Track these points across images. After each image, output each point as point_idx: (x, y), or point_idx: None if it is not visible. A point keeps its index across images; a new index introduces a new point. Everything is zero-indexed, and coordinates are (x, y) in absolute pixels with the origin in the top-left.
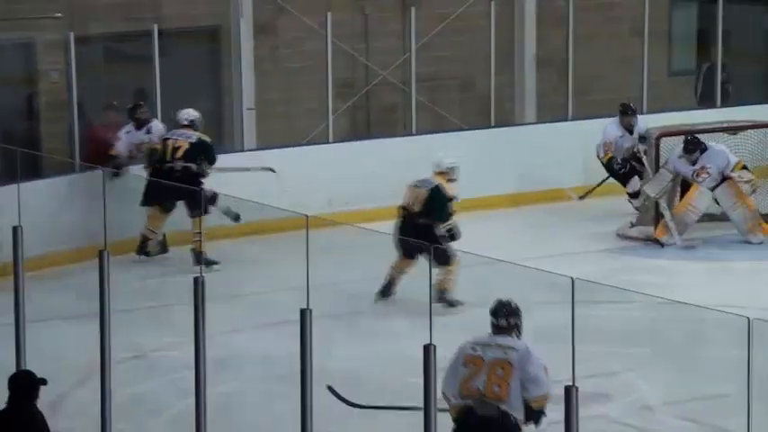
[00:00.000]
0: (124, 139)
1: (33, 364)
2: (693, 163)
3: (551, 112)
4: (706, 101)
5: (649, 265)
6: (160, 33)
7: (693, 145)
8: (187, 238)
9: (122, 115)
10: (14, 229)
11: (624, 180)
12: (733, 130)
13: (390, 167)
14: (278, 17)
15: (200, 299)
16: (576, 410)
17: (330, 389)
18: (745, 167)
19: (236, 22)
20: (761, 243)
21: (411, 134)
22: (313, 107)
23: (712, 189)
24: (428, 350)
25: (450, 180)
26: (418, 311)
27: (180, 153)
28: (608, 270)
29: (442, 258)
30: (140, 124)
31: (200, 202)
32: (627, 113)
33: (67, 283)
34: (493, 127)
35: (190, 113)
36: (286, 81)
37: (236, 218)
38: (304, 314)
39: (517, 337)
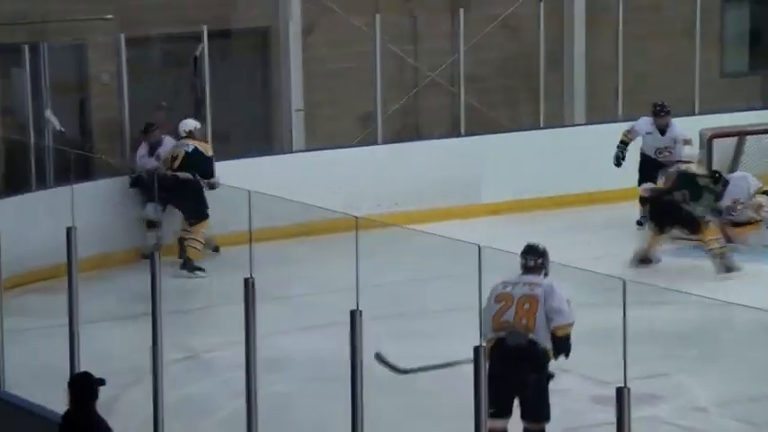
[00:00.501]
0: (139, 163)
1: (86, 366)
2: (718, 197)
3: (601, 113)
4: None
5: (696, 266)
6: (210, 35)
7: (715, 181)
8: (233, 239)
9: (171, 116)
10: (68, 230)
11: (640, 180)
12: None
13: (439, 169)
14: (326, 18)
15: (250, 300)
16: (627, 412)
17: (378, 356)
18: (766, 192)
19: (285, 24)
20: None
21: (460, 135)
22: (361, 109)
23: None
24: (478, 351)
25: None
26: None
27: (177, 163)
28: (654, 271)
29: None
30: (152, 148)
31: (195, 210)
32: (659, 114)
33: (117, 285)
34: (542, 128)
35: (188, 124)
36: (334, 83)
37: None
38: (354, 315)
39: (544, 276)
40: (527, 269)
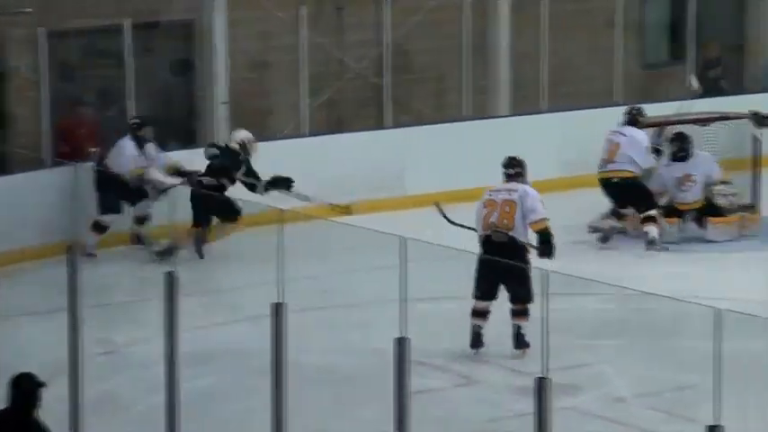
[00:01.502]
0: (124, 162)
1: (5, 361)
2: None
3: (525, 104)
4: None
5: (622, 257)
6: (134, 28)
7: (684, 152)
8: (158, 233)
9: (92, 110)
10: None
11: None
12: (703, 121)
13: (365, 161)
14: (251, 11)
15: (172, 293)
16: (548, 402)
17: (437, 205)
18: (725, 183)
19: (210, 17)
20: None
21: (385, 127)
22: (287, 101)
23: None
24: (402, 342)
25: None
26: (392, 304)
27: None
28: (581, 262)
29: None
30: (140, 146)
31: (228, 211)
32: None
33: (34, 279)
34: (467, 120)
35: (239, 135)
36: (260, 75)
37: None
38: (278, 308)
39: (522, 183)
40: (508, 177)
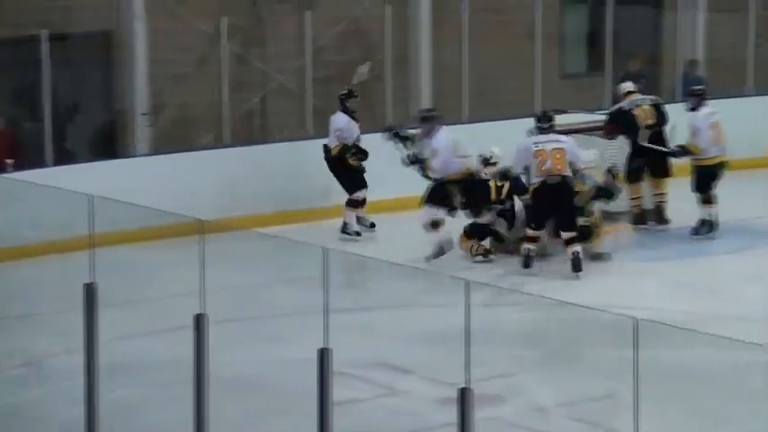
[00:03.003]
0: None
1: None
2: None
3: (447, 115)
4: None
5: (545, 267)
6: (51, 38)
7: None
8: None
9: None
10: None
11: None
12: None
13: (288, 171)
14: (171, 22)
15: (91, 304)
16: (470, 413)
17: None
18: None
19: (129, 27)
20: None
21: (308, 138)
22: (209, 112)
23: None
24: (324, 353)
25: None
26: (316, 314)
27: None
28: (500, 273)
29: None
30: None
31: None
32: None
33: None
34: None
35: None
36: (181, 86)
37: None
38: (199, 319)
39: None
40: (542, 130)
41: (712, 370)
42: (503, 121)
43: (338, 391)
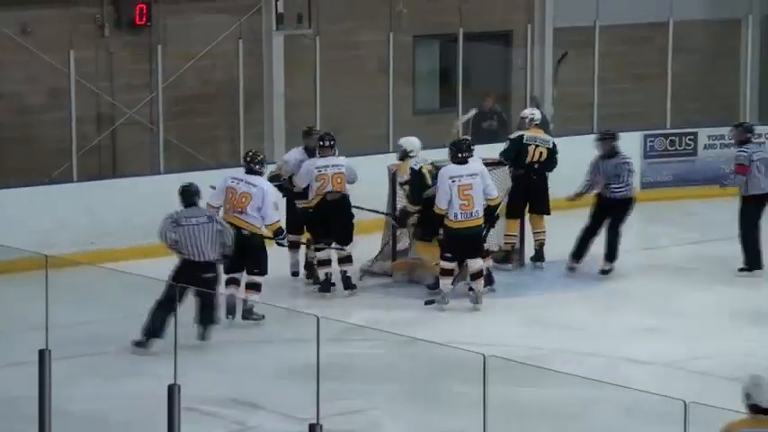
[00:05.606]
0: None
1: None
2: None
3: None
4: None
5: (398, 302)
6: None
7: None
8: None
9: None
10: None
11: None
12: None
13: (138, 206)
14: (19, 54)
15: None
16: None
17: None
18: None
19: None
20: None
21: (159, 173)
22: (57, 145)
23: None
24: (172, 389)
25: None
26: (164, 351)
27: None
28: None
29: None
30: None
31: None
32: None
33: None
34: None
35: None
36: (29, 119)
37: None
38: (43, 355)
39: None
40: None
41: (561, 405)
42: (357, 157)
43: (187, 428)
